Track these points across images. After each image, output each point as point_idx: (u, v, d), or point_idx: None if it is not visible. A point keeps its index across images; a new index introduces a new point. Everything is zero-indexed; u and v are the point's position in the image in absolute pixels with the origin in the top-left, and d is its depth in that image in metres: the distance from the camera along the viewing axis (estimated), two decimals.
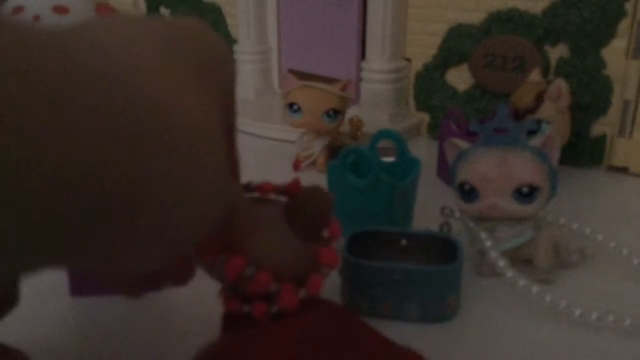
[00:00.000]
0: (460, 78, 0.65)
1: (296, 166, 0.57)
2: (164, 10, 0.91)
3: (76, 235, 0.14)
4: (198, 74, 0.19)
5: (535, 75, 0.56)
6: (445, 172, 0.48)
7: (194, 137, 0.17)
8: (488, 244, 0.38)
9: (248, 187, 0.28)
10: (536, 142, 0.37)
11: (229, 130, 0.24)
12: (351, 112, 0.60)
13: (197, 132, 0.17)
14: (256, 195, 0.28)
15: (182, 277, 0.25)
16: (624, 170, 0.58)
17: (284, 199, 0.27)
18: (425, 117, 0.69)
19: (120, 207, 0.14)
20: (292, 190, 0.27)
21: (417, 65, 0.68)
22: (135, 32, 0.18)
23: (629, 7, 0.54)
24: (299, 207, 0.26)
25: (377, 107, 0.68)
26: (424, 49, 0.67)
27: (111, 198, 0.14)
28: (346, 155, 0.43)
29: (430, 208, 0.45)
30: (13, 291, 0.27)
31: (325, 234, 0.27)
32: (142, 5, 0.94)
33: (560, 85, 0.52)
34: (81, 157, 0.13)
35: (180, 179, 0.16)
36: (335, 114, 0.56)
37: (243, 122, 0.70)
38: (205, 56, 0.20)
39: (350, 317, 0.28)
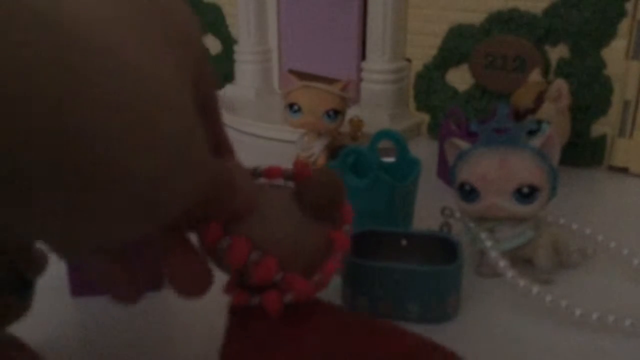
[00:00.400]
0: (460, 78, 0.65)
1: None
2: None
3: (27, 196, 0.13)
4: (166, 41, 0.18)
5: (535, 75, 0.56)
6: (445, 172, 0.48)
7: (149, 87, 0.16)
8: (488, 244, 0.38)
9: (254, 173, 0.27)
10: (536, 142, 0.37)
11: (209, 105, 0.23)
12: (351, 112, 0.60)
13: (154, 84, 0.16)
14: (263, 180, 0.27)
15: (195, 282, 0.23)
16: (624, 170, 0.58)
17: (292, 185, 0.26)
18: (425, 117, 0.69)
19: (69, 155, 0.14)
20: (301, 174, 0.26)
21: (417, 65, 0.68)
22: None
23: (629, 7, 0.54)
24: (309, 186, 0.25)
25: (377, 107, 0.68)
26: (424, 49, 0.67)
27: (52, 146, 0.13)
28: (346, 155, 0.43)
29: (430, 208, 0.45)
30: (26, 297, 0.27)
31: (337, 217, 0.26)
32: None
33: (560, 85, 0.52)
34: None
35: (137, 131, 0.15)
36: (336, 114, 0.56)
37: (243, 122, 0.70)
38: (175, 25, 0.19)
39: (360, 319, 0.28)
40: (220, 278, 0.26)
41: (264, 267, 0.23)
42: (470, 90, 0.65)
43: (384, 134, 0.47)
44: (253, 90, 0.80)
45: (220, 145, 0.25)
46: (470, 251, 0.39)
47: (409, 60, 0.69)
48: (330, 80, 0.57)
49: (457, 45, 0.64)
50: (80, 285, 0.36)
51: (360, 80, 0.70)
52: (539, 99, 0.53)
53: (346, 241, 0.26)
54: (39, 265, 0.27)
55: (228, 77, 0.84)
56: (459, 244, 0.36)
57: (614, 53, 0.56)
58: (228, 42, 0.85)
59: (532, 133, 0.46)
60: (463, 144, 0.39)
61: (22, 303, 0.27)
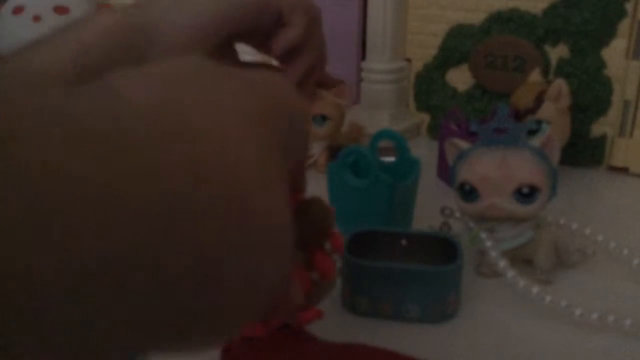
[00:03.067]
0: (460, 78, 0.65)
1: None
2: None
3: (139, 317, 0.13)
4: (278, 147, 0.18)
5: (535, 75, 0.56)
6: (445, 172, 0.48)
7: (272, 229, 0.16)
8: (488, 244, 0.38)
9: None
10: (536, 142, 0.37)
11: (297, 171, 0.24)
12: (351, 112, 0.60)
13: (276, 225, 0.16)
14: None
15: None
16: (624, 170, 0.58)
17: None
18: (425, 117, 0.69)
19: (185, 291, 0.14)
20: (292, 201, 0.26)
21: (417, 65, 0.68)
22: (221, 104, 0.17)
23: (629, 7, 0.54)
24: (303, 216, 0.25)
25: (377, 107, 0.68)
26: (424, 49, 0.67)
27: (178, 282, 0.13)
28: (346, 155, 0.43)
29: (430, 208, 0.45)
30: None
31: (327, 245, 0.27)
32: None
33: (560, 85, 0.52)
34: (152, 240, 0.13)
35: (251, 268, 0.15)
36: (323, 119, 0.55)
37: None
38: (286, 128, 0.19)
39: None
40: None
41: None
42: (470, 90, 0.65)
43: (384, 134, 0.47)
44: None
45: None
46: (470, 251, 0.39)
47: (409, 60, 0.69)
48: (330, 81, 0.56)
49: (457, 45, 0.64)
50: None
51: (360, 80, 0.70)
52: (539, 99, 0.53)
53: (329, 267, 0.26)
54: None
55: None
56: (459, 244, 0.36)
57: (614, 53, 0.56)
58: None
59: (532, 133, 0.46)
60: (463, 144, 0.39)
61: None
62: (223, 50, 0.44)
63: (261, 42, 0.44)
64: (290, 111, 0.20)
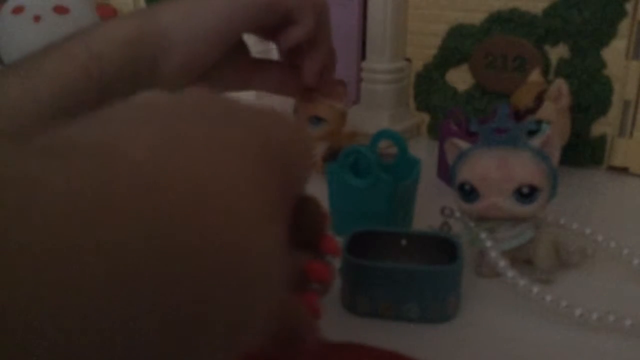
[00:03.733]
0: (460, 78, 0.65)
1: None
2: None
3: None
4: (276, 185, 0.18)
5: (535, 75, 0.56)
6: (445, 172, 0.48)
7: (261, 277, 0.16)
8: (488, 244, 0.38)
9: None
10: (536, 142, 0.37)
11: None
12: (351, 112, 0.60)
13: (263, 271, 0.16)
14: None
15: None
16: (624, 170, 0.58)
17: None
18: (425, 117, 0.69)
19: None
20: None
21: (417, 65, 0.68)
22: (216, 146, 0.16)
23: (629, 7, 0.54)
24: (298, 213, 0.24)
25: (377, 107, 0.68)
26: (424, 49, 0.67)
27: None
28: (346, 155, 0.43)
29: (430, 208, 0.45)
30: None
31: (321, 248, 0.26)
32: (142, 6, 0.94)
33: (560, 85, 0.52)
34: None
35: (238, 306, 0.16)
36: (318, 120, 0.55)
37: None
38: (290, 169, 0.19)
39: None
40: None
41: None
42: (470, 90, 0.65)
43: (384, 134, 0.48)
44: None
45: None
46: (471, 251, 0.39)
47: (409, 60, 0.69)
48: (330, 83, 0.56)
49: (457, 45, 0.64)
50: None
51: (360, 80, 0.70)
52: (539, 99, 0.53)
53: (324, 272, 0.25)
54: None
55: None
56: (459, 244, 0.36)
57: (614, 53, 0.56)
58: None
59: (532, 133, 0.46)
60: (463, 144, 0.39)
61: None
62: (236, 48, 0.44)
63: (267, 33, 0.44)
64: (291, 149, 0.20)
